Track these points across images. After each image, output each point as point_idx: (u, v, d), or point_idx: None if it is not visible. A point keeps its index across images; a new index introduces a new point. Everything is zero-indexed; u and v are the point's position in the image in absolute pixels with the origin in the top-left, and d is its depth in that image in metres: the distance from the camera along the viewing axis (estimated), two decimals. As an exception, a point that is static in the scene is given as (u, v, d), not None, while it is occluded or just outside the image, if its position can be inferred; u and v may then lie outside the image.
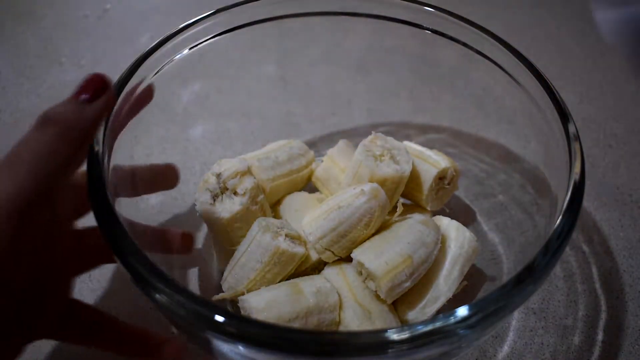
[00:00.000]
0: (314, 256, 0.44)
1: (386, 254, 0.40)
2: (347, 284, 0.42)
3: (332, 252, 0.43)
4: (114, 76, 0.71)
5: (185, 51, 0.46)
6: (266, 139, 0.60)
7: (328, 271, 0.44)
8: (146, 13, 0.81)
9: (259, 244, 0.41)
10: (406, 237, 0.42)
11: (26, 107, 0.67)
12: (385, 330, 0.29)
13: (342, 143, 0.52)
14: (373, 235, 0.43)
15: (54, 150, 0.31)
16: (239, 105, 0.58)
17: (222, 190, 0.44)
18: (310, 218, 0.44)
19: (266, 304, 0.39)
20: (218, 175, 0.44)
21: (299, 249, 0.42)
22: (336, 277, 0.43)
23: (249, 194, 0.43)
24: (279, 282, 0.42)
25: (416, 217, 0.44)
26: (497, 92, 0.49)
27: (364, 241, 0.43)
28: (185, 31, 0.45)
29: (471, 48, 0.48)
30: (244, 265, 0.42)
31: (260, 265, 0.41)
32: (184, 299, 0.30)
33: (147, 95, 0.43)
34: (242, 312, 0.40)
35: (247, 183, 0.44)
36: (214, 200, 0.43)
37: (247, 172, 0.44)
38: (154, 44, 0.43)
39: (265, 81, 0.58)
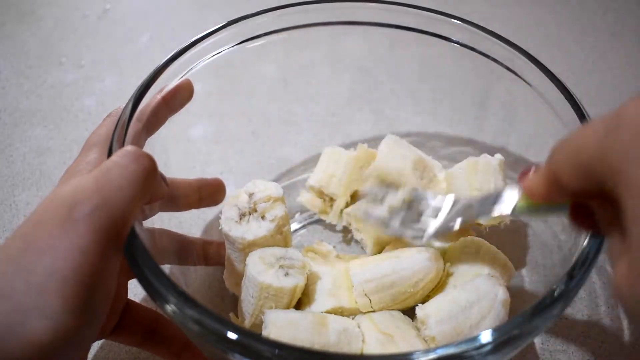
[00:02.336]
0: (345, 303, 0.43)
1: (454, 320, 0.39)
2: (373, 324, 0.41)
3: (370, 300, 0.42)
4: (114, 75, 0.71)
5: (198, 66, 0.47)
6: (266, 139, 0.60)
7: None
8: (146, 13, 0.81)
9: (249, 279, 0.41)
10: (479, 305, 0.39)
11: (26, 107, 0.67)
12: (410, 354, 0.29)
13: (389, 139, 0.51)
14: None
15: (141, 180, 0.33)
16: (239, 105, 0.58)
17: (251, 211, 0.43)
18: (361, 261, 0.44)
19: (285, 322, 0.38)
20: (250, 195, 0.43)
21: (289, 281, 0.40)
22: (363, 317, 0.42)
23: (277, 222, 0.42)
24: None
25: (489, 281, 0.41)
26: (519, 105, 0.49)
27: (404, 302, 0.42)
28: (196, 46, 0.45)
29: (484, 54, 0.48)
30: (244, 300, 0.42)
31: (254, 300, 0.41)
32: (196, 314, 0.30)
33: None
34: (263, 324, 0.40)
35: (278, 211, 0.43)
36: (240, 219, 0.43)
37: (280, 199, 0.43)
38: (164, 61, 0.43)
39: (266, 81, 0.58)
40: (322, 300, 0.43)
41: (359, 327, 0.41)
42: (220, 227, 0.43)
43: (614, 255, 0.26)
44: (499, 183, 0.46)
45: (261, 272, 0.40)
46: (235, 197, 0.44)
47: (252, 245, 0.42)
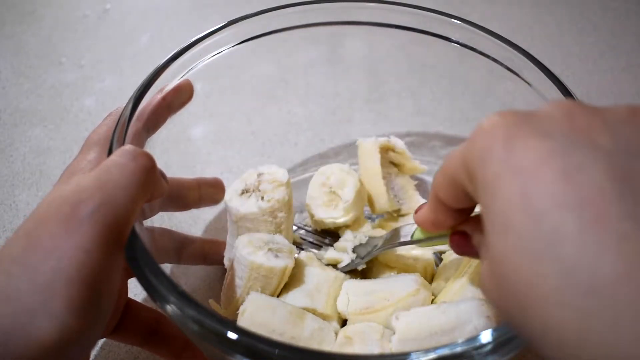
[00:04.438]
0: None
1: (418, 344, 0.37)
2: (344, 331, 0.41)
3: (349, 299, 0.43)
4: (114, 75, 0.71)
5: (198, 66, 0.47)
6: (266, 139, 0.60)
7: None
8: (146, 13, 0.81)
9: (239, 261, 0.42)
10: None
11: (26, 107, 0.67)
12: (408, 354, 0.29)
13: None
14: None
15: (141, 179, 0.33)
16: (239, 105, 0.58)
17: (255, 189, 0.45)
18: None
19: (264, 305, 0.39)
20: (259, 175, 0.45)
21: (279, 262, 0.41)
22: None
23: (272, 204, 0.44)
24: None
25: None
26: (519, 105, 0.48)
27: (377, 313, 0.42)
28: (196, 46, 0.46)
29: (485, 55, 0.48)
30: (230, 285, 0.43)
31: (242, 282, 0.41)
32: (197, 314, 0.30)
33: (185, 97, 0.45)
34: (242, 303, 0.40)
35: (277, 194, 0.44)
36: (242, 193, 0.45)
37: (284, 184, 0.45)
38: (164, 60, 0.43)
39: (266, 81, 0.58)
40: (298, 297, 0.43)
41: (335, 333, 0.41)
42: (224, 199, 0.45)
43: (481, 256, 0.28)
44: None
45: (251, 252, 0.41)
46: (249, 174, 0.46)
47: (243, 219, 0.44)
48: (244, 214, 0.44)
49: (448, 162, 0.29)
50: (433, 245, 0.43)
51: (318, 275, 0.45)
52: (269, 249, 0.42)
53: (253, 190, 0.45)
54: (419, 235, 0.39)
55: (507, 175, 0.23)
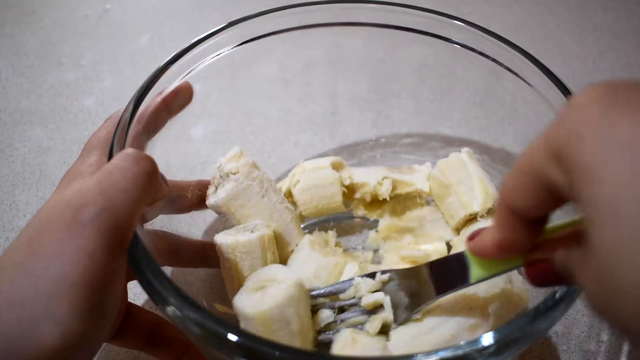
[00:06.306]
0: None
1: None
2: (351, 330, 0.41)
3: None
4: (114, 75, 0.71)
5: (199, 67, 0.47)
6: (266, 139, 0.60)
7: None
8: (146, 13, 0.81)
9: (222, 251, 0.42)
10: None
11: (26, 107, 0.67)
12: (411, 356, 0.29)
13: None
14: None
15: (143, 183, 0.33)
16: (239, 105, 0.58)
17: (223, 178, 0.46)
18: None
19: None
20: (220, 169, 0.46)
21: (253, 235, 0.42)
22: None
23: (241, 170, 0.45)
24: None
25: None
26: (519, 105, 0.48)
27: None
28: (196, 47, 0.46)
29: (490, 58, 0.48)
30: (227, 279, 0.43)
31: (231, 272, 0.42)
32: (198, 316, 0.30)
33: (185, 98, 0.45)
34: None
35: (239, 163, 0.46)
36: (216, 190, 0.46)
37: (241, 154, 0.47)
38: (164, 62, 0.43)
39: (266, 81, 0.58)
40: None
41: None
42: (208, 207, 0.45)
43: (575, 264, 0.24)
44: (475, 169, 0.48)
45: (228, 237, 0.42)
46: (212, 178, 0.47)
47: (232, 200, 0.45)
48: (227, 195, 0.45)
49: (524, 157, 0.25)
50: (496, 276, 0.34)
51: (318, 261, 0.45)
52: (245, 230, 0.43)
53: (222, 179, 0.46)
54: (479, 273, 0.32)
55: (612, 151, 0.20)
